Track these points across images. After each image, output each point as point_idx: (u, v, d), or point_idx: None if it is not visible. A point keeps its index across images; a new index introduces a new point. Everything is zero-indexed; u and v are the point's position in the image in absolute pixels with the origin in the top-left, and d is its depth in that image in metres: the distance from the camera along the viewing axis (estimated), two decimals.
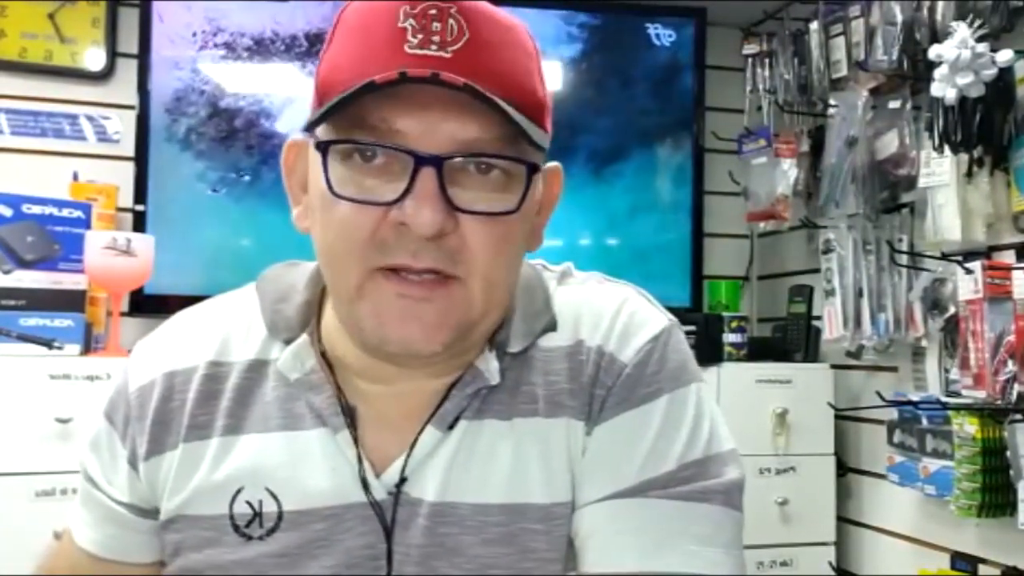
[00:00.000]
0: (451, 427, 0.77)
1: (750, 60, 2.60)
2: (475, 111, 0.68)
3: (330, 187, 0.70)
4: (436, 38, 0.68)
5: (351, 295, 0.72)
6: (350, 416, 0.78)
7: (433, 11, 0.68)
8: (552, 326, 0.81)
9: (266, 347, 0.82)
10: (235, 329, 0.84)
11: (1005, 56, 1.70)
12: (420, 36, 0.68)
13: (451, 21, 0.68)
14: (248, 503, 0.78)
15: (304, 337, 0.80)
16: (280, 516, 0.77)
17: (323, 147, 0.70)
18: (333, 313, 0.80)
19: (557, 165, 0.83)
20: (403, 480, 0.77)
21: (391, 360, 0.77)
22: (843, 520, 2.34)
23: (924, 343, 2.05)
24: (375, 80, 0.66)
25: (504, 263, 0.73)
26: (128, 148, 2.35)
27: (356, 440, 0.78)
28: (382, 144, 0.69)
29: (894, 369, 2.19)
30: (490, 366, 0.78)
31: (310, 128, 0.71)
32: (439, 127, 0.68)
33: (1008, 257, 1.83)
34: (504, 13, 0.74)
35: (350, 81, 0.67)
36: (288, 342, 0.81)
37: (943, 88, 1.75)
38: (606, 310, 0.81)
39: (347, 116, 0.69)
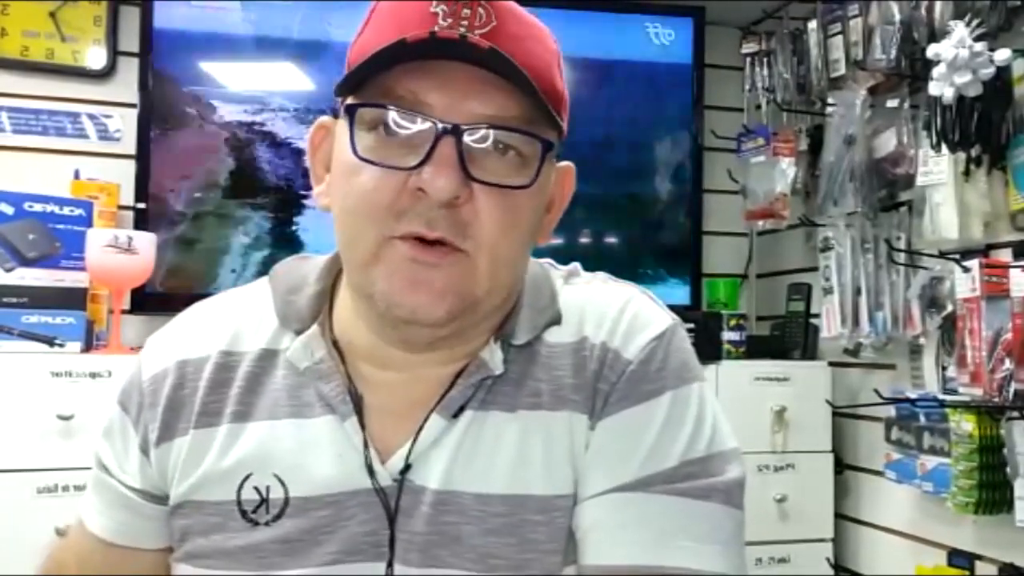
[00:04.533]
0: (456, 416, 0.79)
1: (749, 59, 2.61)
2: (497, 89, 0.72)
3: (355, 150, 0.73)
4: (465, 23, 0.72)
5: (366, 259, 0.74)
6: (358, 404, 0.80)
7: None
8: (556, 320, 0.83)
9: (277, 337, 0.84)
10: (247, 320, 0.86)
11: (1003, 55, 1.71)
12: (450, 20, 0.72)
13: (480, 10, 0.72)
14: (256, 489, 0.79)
15: (315, 327, 0.82)
16: (286, 502, 0.78)
17: (351, 110, 0.74)
18: (345, 301, 0.82)
19: (570, 165, 0.85)
20: (407, 467, 0.78)
21: (401, 334, 0.78)
22: (841, 517, 2.35)
23: (922, 341, 2.06)
24: (407, 39, 0.69)
25: (511, 241, 0.75)
26: (129, 146, 2.35)
27: (363, 427, 0.79)
28: (405, 109, 0.72)
29: (892, 367, 2.20)
30: (495, 357, 0.79)
31: (338, 92, 0.75)
32: (463, 102, 0.72)
33: (1005, 255, 1.84)
34: (530, 13, 0.77)
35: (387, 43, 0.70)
36: (299, 332, 0.82)
37: (941, 87, 1.76)
38: (611, 308, 0.83)
39: (376, 88, 0.72)
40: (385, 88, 0.72)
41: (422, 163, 0.71)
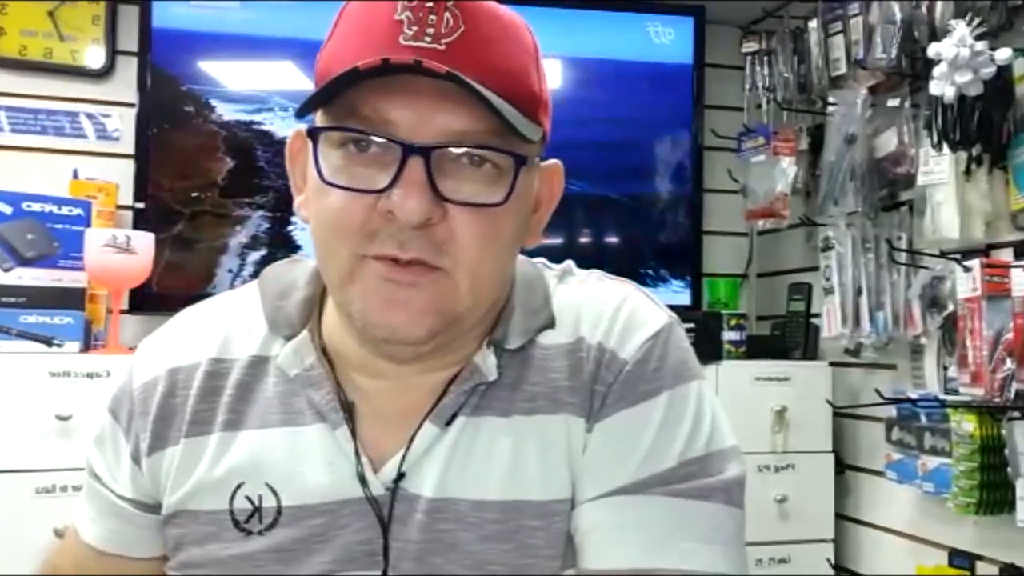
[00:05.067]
0: (449, 423, 0.78)
1: (749, 58, 2.61)
2: (466, 103, 0.69)
3: (320, 174, 0.71)
4: (431, 31, 0.69)
5: (342, 278, 0.73)
6: (349, 412, 0.79)
7: (430, 4, 0.69)
8: (551, 323, 0.81)
9: (267, 344, 0.83)
10: (237, 326, 0.85)
11: (1004, 54, 1.71)
12: (415, 28, 0.69)
13: (447, 15, 0.69)
14: (248, 498, 0.78)
15: (304, 333, 0.81)
16: (279, 511, 0.78)
17: (314, 134, 0.72)
18: (334, 308, 0.81)
19: (557, 163, 0.83)
20: (401, 476, 0.77)
21: (383, 351, 0.77)
22: (841, 517, 2.35)
23: (923, 341, 2.05)
24: (358, 67, 0.67)
25: (491, 256, 0.74)
26: (128, 146, 2.35)
27: (355, 435, 0.78)
28: (370, 132, 0.70)
29: (893, 367, 2.19)
30: (488, 362, 0.78)
31: (300, 114, 0.72)
32: (430, 118, 0.69)
33: (1006, 255, 1.83)
34: (505, 10, 0.74)
35: (341, 71, 0.68)
36: (289, 338, 0.81)
37: (942, 86, 1.76)
38: (607, 307, 0.81)
39: (341, 106, 0.70)
40: (349, 106, 0.70)
41: (390, 185, 0.69)
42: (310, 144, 0.72)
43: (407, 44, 0.69)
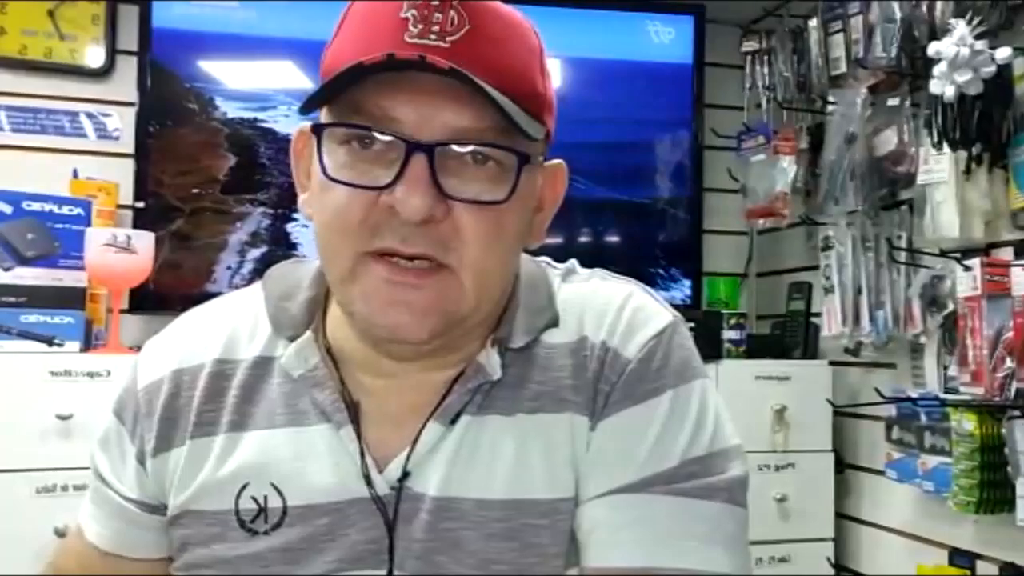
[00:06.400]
0: (453, 422, 0.78)
1: (749, 57, 2.61)
2: (469, 101, 0.69)
3: (324, 170, 0.71)
4: (436, 28, 0.69)
5: (344, 277, 0.73)
6: (354, 411, 0.79)
7: (435, 2, 0.70)
8: (554, 322, 0.81)
9: (271, 344, 0.83)
10: (241, 327, 0.85)
11: (1004, 53, 1.71)
12: (420, 26, 0.69)
13: (452, 13, 0.70)
14: (253, 498, 0.78)
15: (308, 334, 0.81)
16: (285, 511, 0.78)
17: (318, 130, 0.72)
18: (338, 308, 0.81)
19: (561, 163, 0.84)
20: (406, 475, 0.77)
21: (386, 350, 0.77)
22: (842, 516, 2.35)
23: (923, 340, 2.05)
24: (363, 62, 0.67)
25: (496, 254, 0.74)
26: (128, 145, 2.35)
27: (359, 435, 0.78)
28: (373, 128, 0.70)
29: (893, 366, 2.19)
30: (492, 361, 0.78)
31: (304, 110, 0.73)
32: (434, 116, 0.69)
33: (1006, 254, 1.84)
34: (510, 10, 0.75)
35: (346, 67, 0.69)
36: (292, 339, 0.81)
37: (942, 85, 1.76)
38: (610, 306, 0.82)
39: (345, 103, 0.70)
40: (354, 103, 0.70)
41: (393, 182, 0.69)
42: (314, 141, 0.73)
43: (412, 41, 0.69)
